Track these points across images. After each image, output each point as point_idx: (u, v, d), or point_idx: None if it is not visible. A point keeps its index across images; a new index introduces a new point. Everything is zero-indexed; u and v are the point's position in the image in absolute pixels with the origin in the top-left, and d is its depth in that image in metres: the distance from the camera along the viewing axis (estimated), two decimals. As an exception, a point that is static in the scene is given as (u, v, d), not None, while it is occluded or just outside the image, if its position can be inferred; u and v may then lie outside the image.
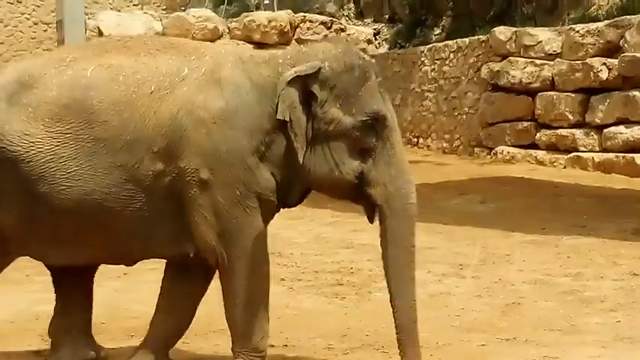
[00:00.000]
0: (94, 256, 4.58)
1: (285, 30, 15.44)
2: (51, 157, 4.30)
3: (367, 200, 4.43)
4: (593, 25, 13.54)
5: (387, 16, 19.13)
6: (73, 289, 4.76)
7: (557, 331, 5.66)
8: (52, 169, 4.30)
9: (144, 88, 4.31)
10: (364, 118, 4.32)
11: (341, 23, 16.66)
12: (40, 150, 4.30)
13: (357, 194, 4.44)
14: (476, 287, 6.84)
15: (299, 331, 5.65)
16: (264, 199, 4.35)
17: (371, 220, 4.49)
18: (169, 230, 4.40)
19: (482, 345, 5.41)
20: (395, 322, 4.43)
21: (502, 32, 14.21)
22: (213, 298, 4.69)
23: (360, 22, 19.01)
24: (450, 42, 15.41)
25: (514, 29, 14.25)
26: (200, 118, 4.27)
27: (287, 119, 4.23)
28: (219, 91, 4.31)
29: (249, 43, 15.00)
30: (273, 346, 5.30)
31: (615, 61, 12.96)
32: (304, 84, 4.27)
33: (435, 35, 17.80)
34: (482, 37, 14.54)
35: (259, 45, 14.97)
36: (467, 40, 14.91)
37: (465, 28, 16.17)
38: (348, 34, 16.05)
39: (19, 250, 4.52)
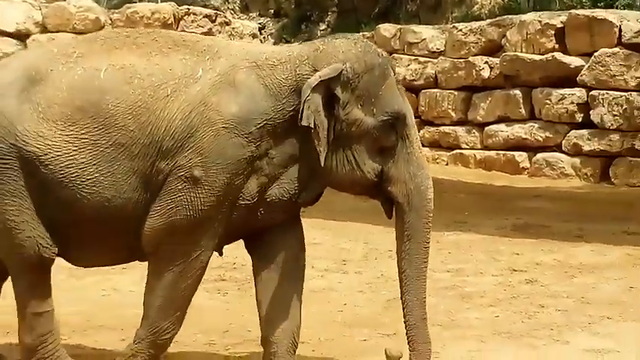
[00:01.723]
0: (117, 258, 4.51)
1: (169, 22, 15.24)
2: (70, 162, 4.13)
3: (387, 197, 4.41)
4: (475, 24, 13.77)
5: (272, 11, 19.11)
6: None
7: (438, 326, 5.70)
8: (73, 175, 4.14)
9: (160, 92, 4.17)
10: (385, 118, 4.27)
11: (226, 17, 16.52)
12: (58, 154, 4.13)
13: (377, 191, 4.42)
14: (358, 283, 6.86)
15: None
16: (242, 207, 4.26)
17: (389, 216, 4.47)
18: None
19: (364, 340, 5.43)
20: (405, 318, 4.41)
21: (387, 29, 14.33)
22: (91, 295, 4.59)
23: (245, 16, 18.93)
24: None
25: (398, 26, 14.39)
26: (211, 120, 4.15)
27: (312, 126, 4.14)
28: (233, 96, 4.20)
29: (132, 34, 14.79)
30: (154, 342, 5.23)
31: (497, 60, 13.20)
32: (327, 87, 4.18)
33: (321, 31, 17.84)
34: (367, 34, 14.61)
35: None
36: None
37: (350, 25, 16.24)
38: (233, 28, 15.93)
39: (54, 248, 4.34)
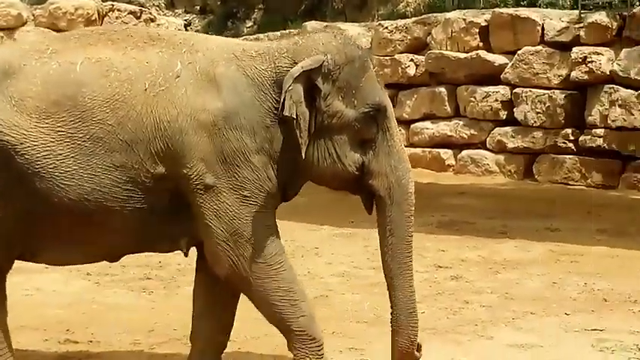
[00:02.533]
0: (86, 255, 4.41)
1: (93, 18, 15.08)
2: (48, 152, 4.05)
3: (368, 191, 4.38)
4: (401, 22, 13.84)
5: (198, 7, 19.01)
6: None
7: (364, 323, 5.73)
8: (50, 166, 4.06)
9: (137, 85, 4.10)
10: (366, 110, 4.25)
11: (151, 13, 16.39)
12: (34, 144, 4.04)
13: (358, 185, 4.38)
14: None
15: (105, 326, 5.53)
16: (272, 195, 4.23)
17: (369, 211, 4.44)
18: (166, 229, 4.25)
19: (291, 338, 5.41)
20: (392, 314, 4.40)
21: (313, 27, 14.30)
22: (13, 295, 4.52)
23: (170, 13, 18.80)
24: (261, 35, 15.40)
25: (325, 24, 14.38)
26: (200, 122, 4.10)
27: (294, 116, 4.10)
28: (216, 91, 4.15)
29: (55, 31, 14.55)
30: (78, 342, 5.18)
31: (422, 58, 13.29)
32: (309, 78, 4.15)
33: (247, 28, 17.79)
34: (294, 31, 14.58)
35: (66, 33, 14.59)
36: (278, 33, 14.92)
37: (277, 22, 16.22)
38: (158, 25, 15.81)
39: (19, 248, 4.25)
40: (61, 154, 4.06)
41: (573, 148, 12.04)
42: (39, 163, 4.05)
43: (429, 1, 15.13)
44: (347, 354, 5.16)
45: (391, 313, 4.43)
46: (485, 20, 12.86)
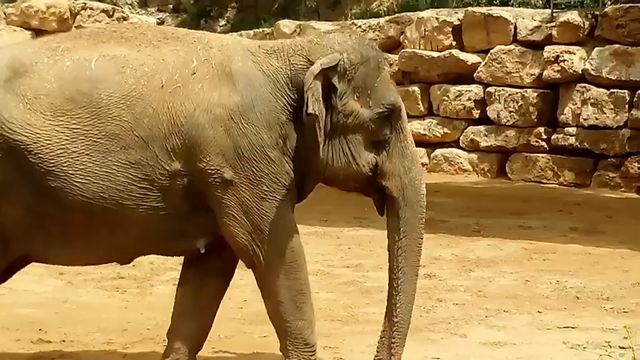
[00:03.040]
0: (97, 256, 4.37)
1: (65, 17, 14.99)
2: (61, 151, 4.01)
3: (381, 192, 4.36)
4: (374, 21, 13.85)
5: (171, 6, 18.95)
6: None
7: (338, 322, 5.74)
8: (64, 165, 4.02)
9: (154, 82, 4.08)
10: (381, 110, 4.23)
11: (123, 12, 16.31)
12: (48, 142, 4.01)
13: (370, 186, 4.37)
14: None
15: (78, 325, 5.50)
16: (290, 191, 4.21)
17: (382, 213, 4.43)
18: (181, 228, 4.21)
19: (265, 336, 5.40)
20: (393, 316, 4.39)
21: (286, 25, 14.31)
22: None
23: (143, 11, 18.73)
24: (234, 34, 15.38)
25: (298, 23, 14.38)
26: (217, 116, 4.08)
27: (317, 113, 4.07)
28: (232, 86, 4.13)
29: (27, 29, 14.49)
30: (50, 342, 5.16)
31: (395, 57, 13.30)
32: (326, 76, 4.13)
33: (220, 27, 17.76)
34: (267, 30, 14.60)
35: (37, 32, 14.50)
36: (251, 32, 14.93)
37: (250, 21, 16.20)
38: (131, 23, 15.75)
39: (21, 248, 4.21)
40: (75, 152, 4.03)
41: (546, 146, 12.10)
42: (53, 161, 4.02)
43: (402, 0, 15.16)
44: (321, 353, 5.15)
45: (390, 318, 4.41)
46: (459, 19, 12.89)
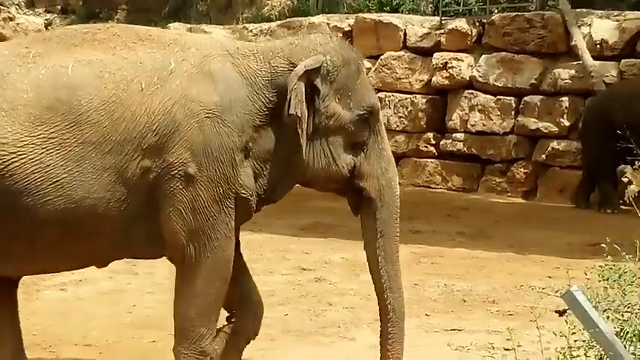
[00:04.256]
0: (77, 262, 4.29)
1: (-50, 16, 14.67)
2: (36, 167, 3.88)
3: (357, 193, 4.39)
4: (265, 25, 13.85)
5: (59, 7, 18.65)
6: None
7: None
8: (38, 180, 3.88)
9: (133, 86, 3.99)
10: (361, 112, 4.28)
11: (10, 12, 16.03)
12: (23, 161, 3.87)
13: (347, 187, 4.40)
14: (149, 284, 6.79)
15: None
16: (242, 198, 4.16)
17: (357, 213, 4.45)
18: (152, 230, 4.12)
19: (154, 342, 5.38)
20: (387, 316, 4.41)
21: (177, 28, 14.19)
22: None
23: (30, 12, 18.40)
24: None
25: (189, 26, 14.31)
26: (193, 112, 4.02)
27: (299, 114, 4.07)
28: (212, 85, 4.08)
29: None
30: None
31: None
32: (309, 78, 4.13)
33: (110, 28, 17.55)
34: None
35: None
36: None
37: (140, 23, 16.00)
38: (17, 24, 15.45)
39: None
40: (49, 165, 3.91)
41: (435, 152, 12.27)
42: (26, 180, 3.90)
43: (294, 5, 15.21)
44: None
45: (385, 316, 4.44)
46: (349, 25, 12.98)
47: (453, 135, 12.10)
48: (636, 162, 2.93)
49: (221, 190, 4.10)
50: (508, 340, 4.30)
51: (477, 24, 12.29)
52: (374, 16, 13.04)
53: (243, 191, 4.17)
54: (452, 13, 12.93)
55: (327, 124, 4.26)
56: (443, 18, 12.62)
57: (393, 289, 4.46)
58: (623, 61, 11.32)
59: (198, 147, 4.05)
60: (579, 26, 11.64)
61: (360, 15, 13.14)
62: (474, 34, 12.19)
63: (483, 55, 12.05)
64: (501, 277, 7.26)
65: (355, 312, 6.14)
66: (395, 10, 13.75)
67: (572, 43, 11.52)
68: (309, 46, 4.28)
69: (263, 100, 4.19)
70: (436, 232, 8.96)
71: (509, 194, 11.71)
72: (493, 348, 4.84)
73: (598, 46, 11.43)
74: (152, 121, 4.01)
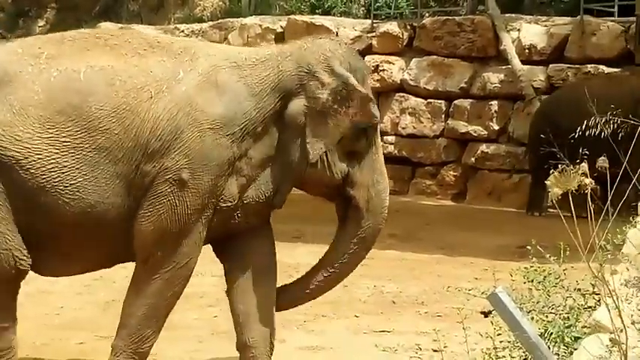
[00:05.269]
0: (86, 265, 4.31)
1: None
2: (53, 166, 3.89)
3: (346, 200, 4.41)
4: (197, 26, 13.84)
5: (-12, 5, 18.43)
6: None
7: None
8: (55, 180, 3.91)
9: (143, 94, 4.00)
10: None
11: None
12: (39, 157, 3.88)
13: (337, 193, 4.41)
14: (77, 284, 6.73)
15: None
16: (223, 209, 4.17)
17: (343, 219, 4.49)
18: None
19: (81, 343, 5.34)
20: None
21: (108, 27, 14.10)
22: None
23: (-42, 10, 18.18)
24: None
25: (120, 25, 14.22)
26: (197, 121, 4.03)
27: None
28: (217, 96, 4.09)
29: None
30: None
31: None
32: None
33: (39, 27, 17.37)
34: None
35: None
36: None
37: (70, 22, 15.90)
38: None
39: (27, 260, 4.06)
40: (66, 166, 3.94)
41: (365, 154, 12.30)
42: (44, 177, 3.93)
43: (226, 6, 15.19)
44: None
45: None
46: (281, 27, 13.00)
47: (384, 138, 12.15)
48: (559, 165, 2.97)
49: (205, 201, 4.11)
50: (435, 341, 4.36)
51: (409, 27, 12.38)
52: (306, 18, 13.08)
53: (225, 203, 4.19)
54: (383, 17, 13.02)
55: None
56: (374, 21, 12.71)
57: (338, 271, 4.58)
58: (551, 65, 11.48)
59: (196, 155, 4.07)
60: (508, 31, 11.79)
61: (293, 17, 13.17)
62: (405, 38, 12.28)
63: (414, 59, 12.14)
64: (431, 279, 7.32)
65: (284, 314, 6.10)
66: (327, 12, 13.81)
67: (502, 47, 11.67)
68: (319, 50, 4.32)
69: (268, 107, 4.21)
70: (367, 234, 8.98)
71: (439, 197, 11.82)
72: (420, 349, 4.91)
73: (527, 50, 11.60)
74: (156, 126, 4.03)
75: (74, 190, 3.97)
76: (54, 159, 3.94)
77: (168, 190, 4.05)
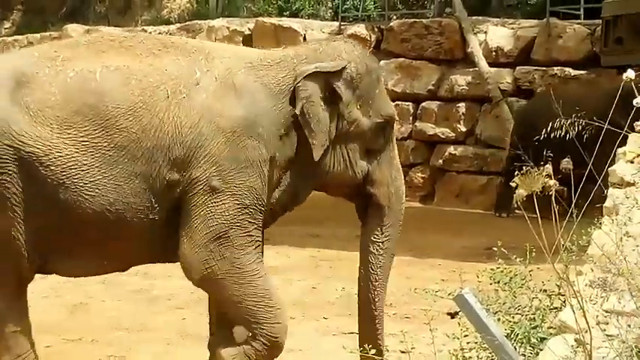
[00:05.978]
0: (102, 266, 4.26)
1: None
2: (73, 163, 3.90)
3: (366, 199, 4.45)
4: (164, 28, 13.81)
5: (-45, 7, 18.31)
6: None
7: (125, 330, 5.69)
8: (75, 177, 3.91)
9: (159, 93, 3.99)
10: (379, 121, 4.33)
11: None
12: (59, 155, 3.88)
13: (358, 192, 4.44)
14: (43, 288, 6.69)
15: None
16: (266, 209, 4.17)
17: (362, 217, 4.54)
18: (172, 241, 4.10)
19: (48, 346, 5.32)
20: (373, 313, 4.62)
21: (75, 30, 14.07)
22: None
23: None
24: (20, 37, 15.03)
25: (87, 27, 14.17)
26: (219, 127, 4.02)
27: (305, 113, 4.11)
28: (236, 100, 4.09)
29: None
30: None
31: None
32: (326, 81, 4.16)
33: (5, 29, 17.29)
34: (55, 34, 14.32)
35: None
36: (38, 35, 14.61)
37: (37, 24, 15.85)
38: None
39: (40, 258, 4.07)
40: (86, 164, 3.95)
41: (335, 156, 12.32)
42: (64, 173, 3.93)
43: (194, 8, 15.18)
44: (107, 362, 5.11)
45: (370, 312, 4.65)
46: (249, 29, 13.00)
47: (352, 140, 12.17)
48: (524, 167, 2.99)
49: (247, 202, 4.10)
50: (403, 342, 4.37)
51: (376, 30, 12.42)
52: (274, 20, 13.09)
53: (262, 204, 4.18)
54: (351, 19, 13.06)
55: (348, 129, 4.32)
56: (342, 23, 12.74)
57: (374, 288, 4.66)
58: (517, 68, 11.55)
59: (224, 161, 4.07)
60: (475, 33, 11.86)
61: (260, 19, 13.18)
62: (372, 40, 12.32)
63: (382, 61, 12.15)
64: (399, 281, 7.33)
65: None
66: (295, 14, 13.83)
67: (469, 50, 11.74)
68: (334, 52, 4.34)
69: (287, 107, 4.21)
70: (335, 236, 9.00)
71: (407, 199, 11.79)
72: (388, 350, 4.92)
73: (494, 53, 11.66)
74: (179, 133, 4.03)
75: (94, 187, 3.98)
76: (73, 157, 3.96)
77: (203, 199, 4.06)
